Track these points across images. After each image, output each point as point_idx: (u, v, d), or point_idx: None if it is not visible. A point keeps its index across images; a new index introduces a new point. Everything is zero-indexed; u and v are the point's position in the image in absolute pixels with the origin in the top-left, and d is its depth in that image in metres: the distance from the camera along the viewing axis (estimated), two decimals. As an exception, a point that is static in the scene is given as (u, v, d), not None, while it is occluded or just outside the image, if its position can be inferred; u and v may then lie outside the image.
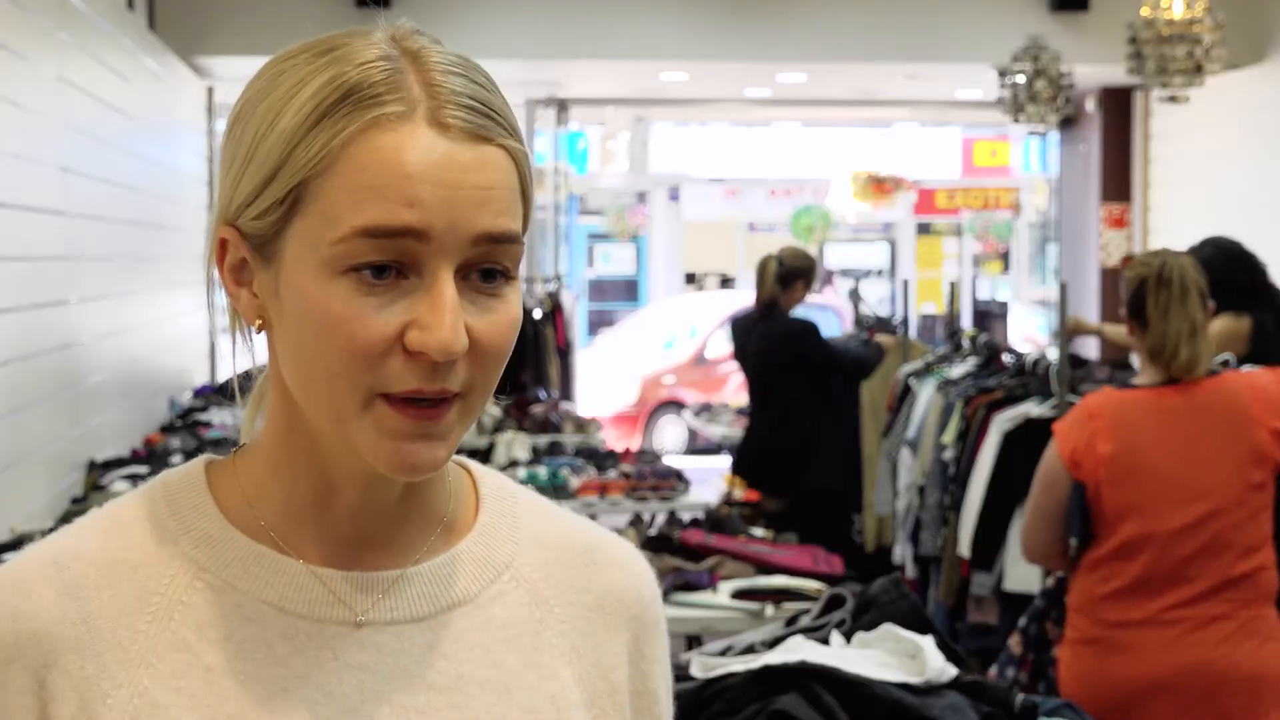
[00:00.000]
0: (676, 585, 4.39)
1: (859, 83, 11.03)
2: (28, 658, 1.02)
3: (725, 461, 9.40)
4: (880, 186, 17.51)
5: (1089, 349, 10.74)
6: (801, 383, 6.63)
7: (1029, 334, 15.44)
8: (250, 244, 1.04)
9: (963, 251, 22.01)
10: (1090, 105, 10.92)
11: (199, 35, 8.70)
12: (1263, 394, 3.53)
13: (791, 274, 6.72)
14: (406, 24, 1.05)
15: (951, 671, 2.51)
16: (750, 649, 2.76)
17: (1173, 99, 7.15)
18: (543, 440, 7.29)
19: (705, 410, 10.13)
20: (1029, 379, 5.65)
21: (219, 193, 1.07)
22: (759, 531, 5.25)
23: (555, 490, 6.10)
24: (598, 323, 20.47)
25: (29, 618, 1.03)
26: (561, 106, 11.77)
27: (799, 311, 6.84)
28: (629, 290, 22.00)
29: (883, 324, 7.54)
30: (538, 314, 9.56)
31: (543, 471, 6.33)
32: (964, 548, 5.26)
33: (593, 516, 3.78)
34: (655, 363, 15.11)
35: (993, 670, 4.01)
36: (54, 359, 5.23)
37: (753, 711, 2.41)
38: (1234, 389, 3.54)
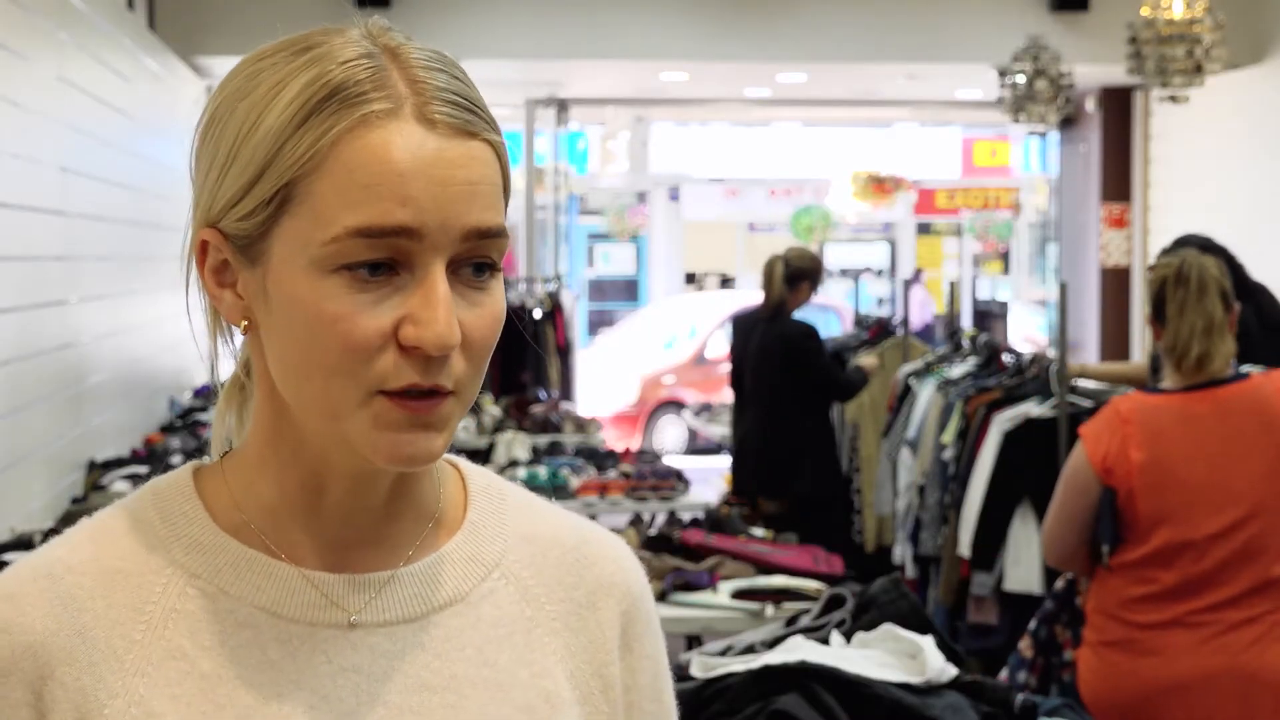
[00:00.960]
0: (676, 585, 4.39)
1: (859, 83, 11.03)
2: (23, 671, 1.02)
3: (725, 461, 9.39)
4: (880, 186, 17.51)
5: (1089, 351, 10.74)
6: (798, 385, 6.63)
7: (1029, 334, 15.44)
8: (234, 245, 1.04)
9: (963, 251, 22.02)
10: (1090, 105, 10.92)
11: (199, 35, 8.70)
12: None
13: (797, 275, 6.72)
14: (379, 21, 1.05)
15: (951, 671, 2.51)
16: (750, 649, 2.76)
17: (1173, 99, 7.15)
18: (543, 440, 7.30)
19: (705, 410, 10.14)
20: (1027, 377, 5.65)
21: (196, 195, 1.06)
22: (759, 531, 5.25)
23: (555, 490, 6.10)
24: (598, 323, 20.47)
25: (23, 631, 1.03)
26: (561, 106, 11.77)
27: (801, 313, 6.83)
28: (629, 290, 22.00)
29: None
30: (538, 314, 9.56)
31: (543, 471, 6.33)
32: (964, 548, 5.26)
33: (593, 516, 3.77)
34: (655, 363, 15.11)
35: (1004, 674, 3.99)
36: (54, 359, 5.23)
37: (753, 711, 2.41)
38: (1262, 393, 3.51)
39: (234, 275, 1.05)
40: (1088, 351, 10.74)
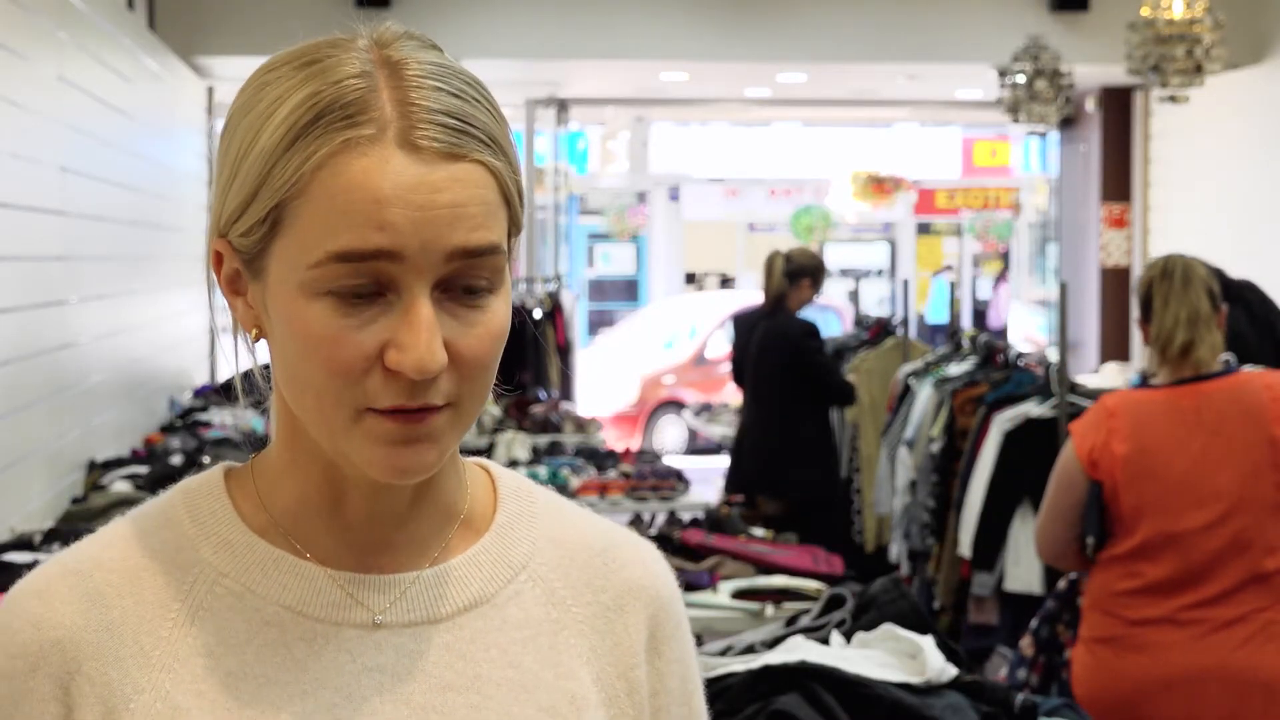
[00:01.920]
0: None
1: (859, 83, 11.03)
2: (52, 665, 1.04)
3: (725, 461, 9.39)
4: (880, 186, 17.51)
5: (1089, 353, 10.74)
6: (798, 384, 6.62)
7: (1029, 334, 15.44)
8: (241, 258, 1.05)
9: (963, 251, 22.02)
10: (1090, 105, 10.92)
11: (199, 35, 8.70)
12: (1278, 394, 3.53)
13: (799, 271, 6.72)
14: (393, 27, 1.05)
15: (951, 671, 2.51)
16: (750, 649, 2.76)
17: (1173, 99, 7.15)
18: (543, 440, 7.30)
19: (705, 410, 10.14)
20: (1014, 371, 5.67)
21: (213, 204, 1.08)
22: (759, 531, 5.25)
23: (555, 490, 6.09)
24: (598, 323, 20.47)
25: (53, 626, 1.04)
26: (561, 106, 11.77)
27: (804, 313, 6.83)
28: (629, 290, 22.00)
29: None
30: (538, 314, 9.56)
31: (543, 471, 6.33)
32: (965, 548, 5.26)
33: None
34: (655, 363, 15.11)
35: (1003, 672, 4.00)
36: (54, 359, 5.23)
37: (753, 711, 2.41)
38: (1250, 387, 3.53)
39: (245, 285, 1.06)
40: (1088, 351, 10.74)
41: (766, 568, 4.61)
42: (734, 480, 6.89)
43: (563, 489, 6.17)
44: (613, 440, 12.85)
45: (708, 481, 8.59)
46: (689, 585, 4.39)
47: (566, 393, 9.80)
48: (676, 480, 6.40)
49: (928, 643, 2.53)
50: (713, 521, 5.12)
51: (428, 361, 0.99)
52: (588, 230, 20.95)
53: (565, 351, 9.87)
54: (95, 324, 5.87)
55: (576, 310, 11.24)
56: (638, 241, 21.55)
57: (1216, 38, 6.88)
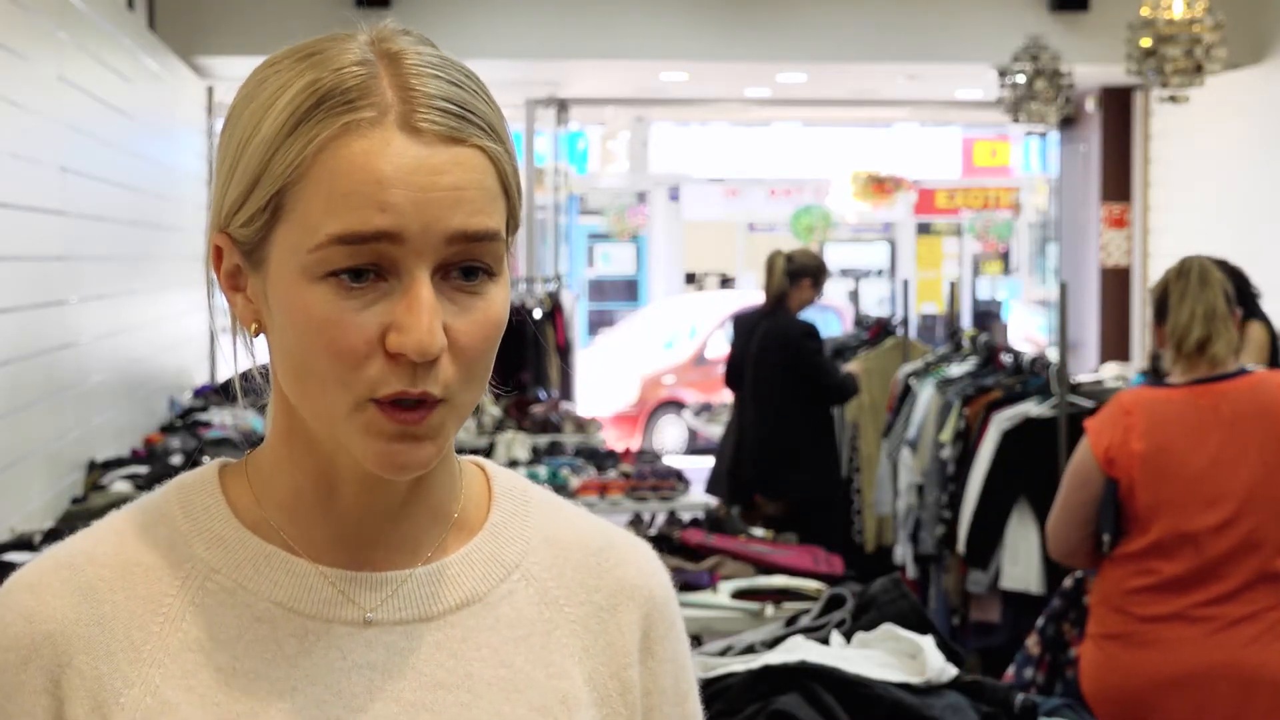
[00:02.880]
0: (676, 585, 4.38)
1: (859, 83, 11.03)
2: (43, 658, 1.04)
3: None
4: (880, 186, 17.50)
5: (1089, 351, 10.74)
6: (798, 384, 6.62)
7: (1029, 334, 15.45)
8: (241, 250, 1.06)
9: (963, 251, 22.02)
10: (1090, 105, 10.92)
11: (199, 35, 8.70)
12: None
13: (800, 271, 6.72)
14: (391, 24, 1.05)
15: (951, 671, 2.51)
16: (750, 649, 2.76)
17: (1173, 99, 7.15)
18: (543, 440, 7.30)
19: (705, 410, 10.14)
20: (1026, 376, 5.66)
21: (213, 199, 1.08)
22: (759, 531, 5.26)
23: (555, 491, 6.09)
24: (598, 323, 20.47)
25: (44, 620, 1.05)
26: (561, 106, 11.77)
27: (804, 314, 6.82)
28: (629, 290, 22.00)
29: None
30: (538, 314, 9.56)
31: (543, 471, 6.33)
32: (961, 546, 5.27)
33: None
34: (655, 363, 15.11)
35: (1010, 671, 4.00)
36: (54, 359, 5.23)
37: (753, 711, 2.41)
38: (1267, 387, 3.54)
39: (244, 279, 1.07)
40: (1088, 351, 10.74)
41: (766, 568, 4.61)
42: (729, 482, 6.87)
43: (563, 489, 6.16)
44: (613, 440, 12.85)
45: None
46: (689, 585, 4.39)
47: (566, 393, 9.80)
48: (676, 480, 6.40)
49: (928, 643, 2.53)
50: (713, 521, 5.12)
51: (428, 343, 0.99)
52: (588, 230, 20.95)
53: (565, 351, 9.87)
54: (95, 324, 5.87)
55: (576, 310, 11.23)
56: (638, 241, 21.55)
57: (1216, 38, 6.88)
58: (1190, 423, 3.53)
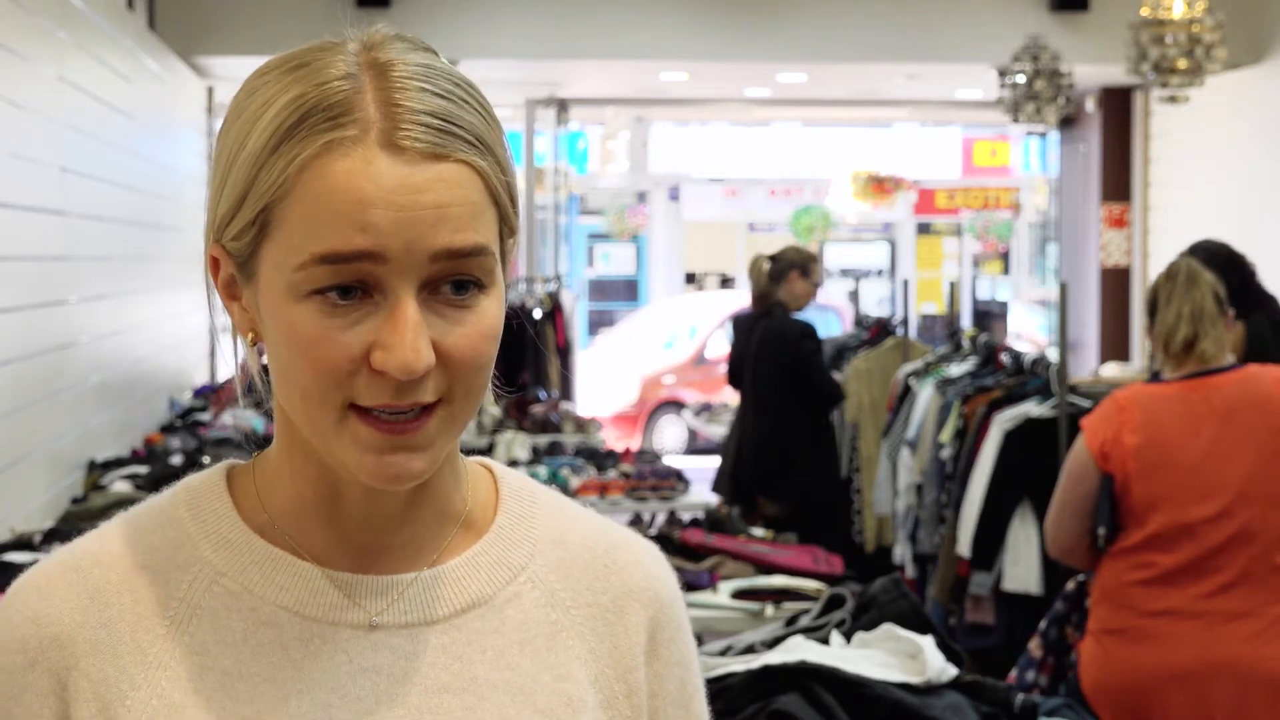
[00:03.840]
0: (676, 585, 4.38)
1: (859, 83, 11.03)
2: (50, 661, 1.04)
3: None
4: (880, 186, 17.51)
5: (1089, 351, 10.74)
6: (797, 385, 6.62)
7: (1029, 334, 15.44)
8: (234, 262, 1.06)
9: (963, 251, 22.02)
10: (1090, 105, 10.92)
11: (199, 35, 8.70)
12: None
13: (785, 266, 6.71)
14: (384, 30, 1.05)
15: (951, 671, 2.51)
16: (750, 649, 2.76)
17: (1173, 99, 7.15)
18: (543, 440, 7.30)
19: (705, 410, 10.14)
20: (1026, 377, 5.65)
21: (208, 209, 1.08)
22: (759, 531, 5.26)
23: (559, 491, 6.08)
24: (598, 323, 20.47)
25: (51, 622, 1.05)
26: (561, 106, 11.77)
27: (804, 313, 6.82)
28: (629, 290, 22.00)
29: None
30: (538, 314, 9.56)
31: (543, 471, 6.33)
32: (964, 547, 5.26)
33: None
34: (655, 363, 15.11)
35: (1012, 674, 4.00)
36: (54, 359, 5.23)
37: (753, 711, 2.41)
38: (1260, 380, 3.58)
39: (240, 290, 1.07)
40: (1088, 351, 10.74)
41: (766, 568, 4.61)
42: (730, 483, 6.87)
43: (563, 489, 6.12)
44: (613, 440, 12.84)
45: (708, 481, 8.58)
46: (689, 585, 4.39)
47: (566, 393, 9.80)
48: (676, 480, 6.40)
49: (928, 643, 2.53)
50: (713, 521, 5.12)
51: (412, 361, 0.98)
52: (588, 230, 20.95)
53: (565, 351, 9.87)
54: (95, 324, 5.87)
55: (576, 310, 11.24)
56: (638, 241, 21.55)
57: (1216, 38, 6.88)
58: (1184, 416, 3.56)
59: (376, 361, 0.99)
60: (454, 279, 1.01)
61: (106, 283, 6.13)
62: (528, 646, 1.11)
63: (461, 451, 1.16)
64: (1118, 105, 10.70)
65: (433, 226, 0.99)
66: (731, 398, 11.13)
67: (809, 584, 4.37)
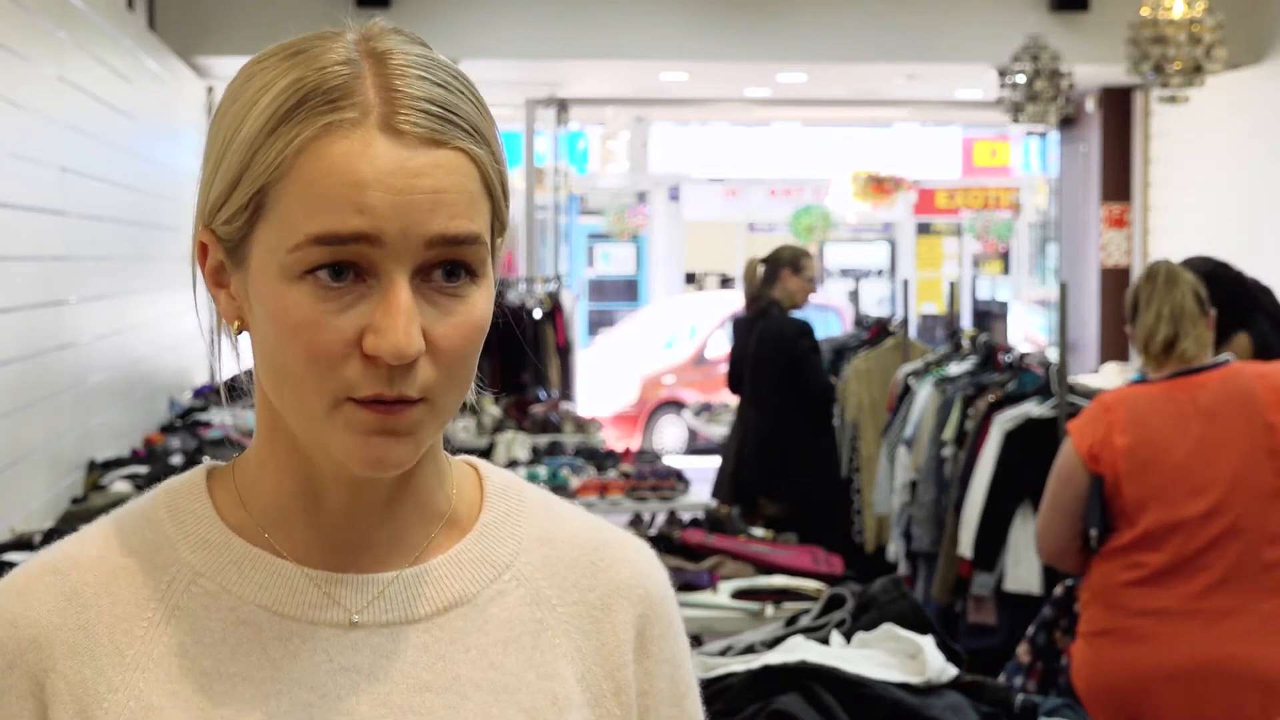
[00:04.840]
0: (676, 585, 4.39)
1: (859, 83, 11.03)
2: (28, 663, 1.04)
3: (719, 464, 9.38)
4: (880, 186, 17.51)
5: (1089, 351, 10.74)
6: (795, 384, 6.62)
7: (1029, 334, 15.44)
8: (224, 247, 1.05)
9: (963, 251, 22.02)
10: (1090, 105, 10.92)
11: (199, 35, 8.70)
12: (1271, 381, 3.57)
13: (776, 265, 6.72)
14: (381, 23, 1.05)
15: (951, 671, 2.51)
16: (750, 649, 2.76)
17: (1173, 99, 7.15)
18: (543, 440, 7.29)
19: (705, 410, 10.14)
20: (1019, 373, 5.66)
21: (198, 195, 1.08)
22: (759, 531, 5.26)
23: (555, 490, 6.09)
24: (598, 323, 20.47)
25: (29, 625, 1.05)
26: (561, 106, 11.77)
27: (803, 313, 6.81)
28: (629, 290, 22.00)
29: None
30: (538, 314, 9.56)
31: (543, 471, 6.33)
32: (965, 548, 5.26)
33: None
34: (655, 363, 15.11)
35: (1000, 679, 4.00)
36: (54, 359, 5.23)
37: (753, 711, 2.41)
38: (1243, 377, 3.60)
39: (228, 277, 1.06)
40: (1088, 351, 10.74)
41: (766, 568, 4.61)
42: (731, 484, 6.87)
43: (563, 489, 6.17)
44: (613, 440, 12.85)
45: (707, 481, 8.58)
46: (689, 585, 4.39)
47: (566, 393, 9.80)
48: (676, 480, 6.40)
49: (928, 643, 2.53)
50: (713, 521, 5.11)
51: (404, 346, 0.98)
52: (588, 230, 20.96)
53: (565, 351, 9.87)
54: (95, 324, 5.87)
55: (576, 310, 11.23)
56: (638, 241, 21.56)
57: (1216, 38, 6.88)
58: (1170, 415, 3.57)
59: (368, 345, 0.99)
60: (446, 265, 1.01)
61: (106, 283, 6.13)
62: (512, 645, 1.10)
63: (460, 451, 1.16)
64: (1118, 105, 10.70)
65: (429, 211, 0.99)
66: (731, 398, 11.13)
67: (809, 584, 4.37)
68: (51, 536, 4.28)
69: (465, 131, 1.02)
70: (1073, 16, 9.12)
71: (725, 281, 21.86)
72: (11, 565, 3.84)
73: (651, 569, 1.17)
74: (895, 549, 6.12)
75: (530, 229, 11.35)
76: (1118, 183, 10.75)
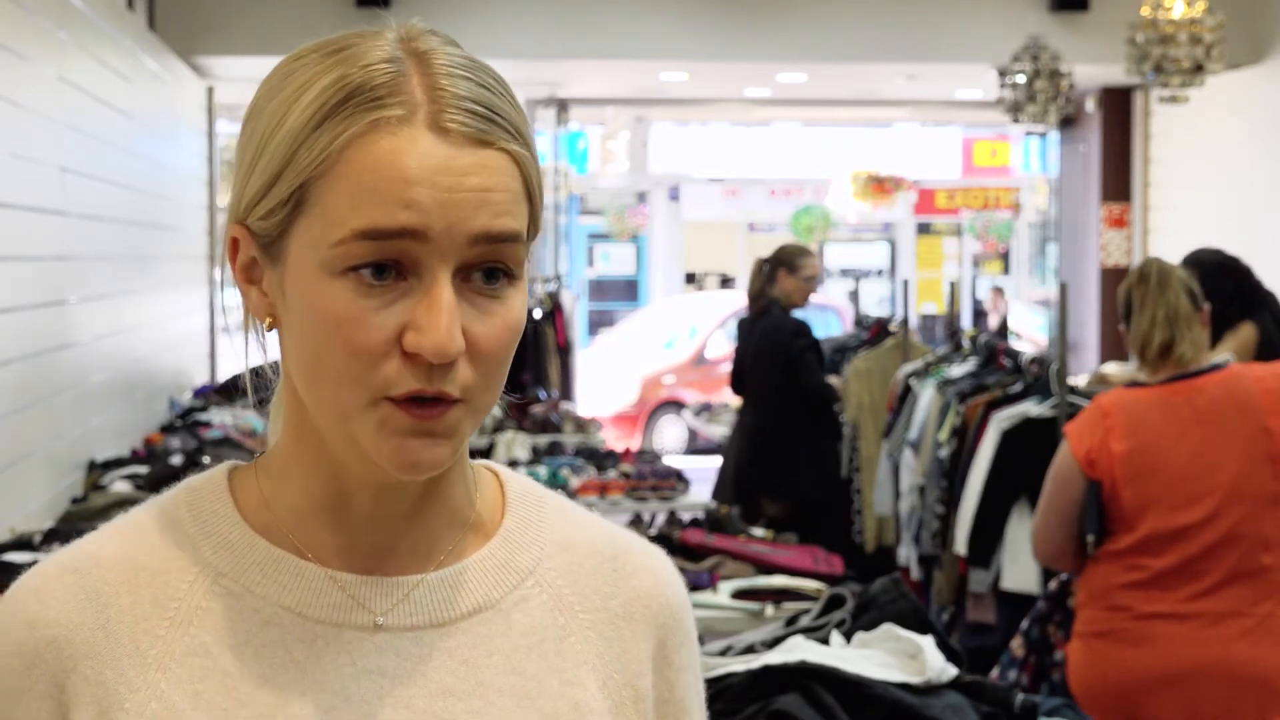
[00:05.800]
0: (676, 585, 4.38)
1: (859, 83, 11.03)
2: (47, 664, 1.03)
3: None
4: (880, 186, 17.51)
5: (1089, 351, 10.74)
6: (794, 384, 6.61)
7: (1029, 334, 15.44)
8: (259, 243, 1.05)
9: (963, 251, 22.02)
10: (1090, 105, 10.92)
11: (199, 35, 8.70)
12: (1269, 385, 3.56)
13: (773, 265, 6.72)
14: (419, 24, 1.05)
15: (951, 671, 2.51)
16: (750, 649, 2.76)
17: (1173, 99, 7.15)
18: (543, 440, 7.29)
19: (705, 410, 10.14)
20: (1024, 376, 5.66)
21: (231, 191, 1.07)
22: (759, 531, 5.26)
23: (555, 491, 6.08)
24: (598, 323, 20.47)
25: (49, 625, 1.04)
26: (561, 106, 11.77)
27: (803, 313, 6.81)
28: (629, 290, 22.00)
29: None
30: (538, 314, 9.56)
31: (543, 471, 6.32)
32: (960, 545, 5.26)
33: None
34: (655, 363, 15.10)
35: (994, 673, 4.01)
36: (54, 359, 5.23)
37: (753, 711, 2.41)
38: (1240, 381, 3.58)
39: (260, 273, 1.06)
40: (1088, 351, 10.75)
41: (766, 568, 4.61)
42: (733, 485, 6.86)
43: (563, 489, 6.16)
44: (613, 440, 12.85)
45: (707, 481, 8.59)
46: (689, 585, 4.39)
47: (566, 393, 9.80)
48: (676, 480, 6.40)
49: (928, 643, 2.53)
50: (713, 521, 5.11)
51: (446, 344, 0.98)
52: (588, 230, 20.96)
53: (565, 351, 9.87)
54: (95, 324, 5.87)
55: (576, 310, 11.23)
56: (638, 241, 21.56)
57: (1216, 38, 6.88)
58: (1168, 420, 3.55)
59: (409, 343, 0.98)
60: (487, 266, 1.01)
61: (106, 283, 6.13)
62: (535, 651, 1.10)
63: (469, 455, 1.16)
64: (1118, 105, 10.70)
65: (475, 209, 0.99)
66: (732, 398, 11.11)
67: (809, 584, 4.37)
68: (51, 536, 4.28)
69: (508, 132, 1.02)
70: (1073, 16, 9.12)
71: (725, 281, 21.86)
72: (11, 565, 3.84)
73: (671, 577, 1.18)
74: (906, 553, 6.11)
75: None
76: (1118, 183, 10.75)
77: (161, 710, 1.03)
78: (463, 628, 1.09)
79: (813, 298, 6.87)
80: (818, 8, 9.19)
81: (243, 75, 9.22)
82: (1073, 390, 5.23)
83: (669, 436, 14.54)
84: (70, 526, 4.53)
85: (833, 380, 6.99)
